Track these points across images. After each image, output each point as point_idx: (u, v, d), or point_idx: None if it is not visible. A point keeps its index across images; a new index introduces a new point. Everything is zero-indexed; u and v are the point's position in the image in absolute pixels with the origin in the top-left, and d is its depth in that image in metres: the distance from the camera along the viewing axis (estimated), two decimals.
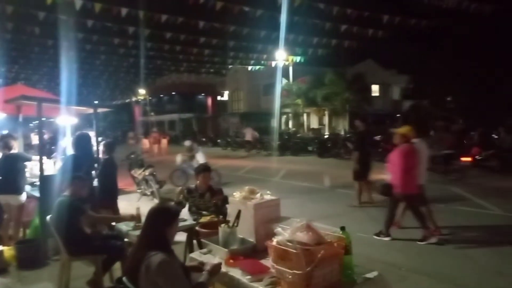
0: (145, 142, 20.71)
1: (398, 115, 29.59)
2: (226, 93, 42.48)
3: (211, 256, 2.84)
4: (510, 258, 5.09)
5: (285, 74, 27.48)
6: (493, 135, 14.83)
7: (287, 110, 30.23)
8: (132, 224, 4.08)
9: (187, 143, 11.99)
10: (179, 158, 11.26)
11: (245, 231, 2.97)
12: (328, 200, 9.04)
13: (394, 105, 35.39)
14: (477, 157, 13.33)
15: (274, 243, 2.25)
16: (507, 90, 20.66)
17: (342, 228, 2.41)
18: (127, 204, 6.69)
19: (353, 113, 28.65)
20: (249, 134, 23.99)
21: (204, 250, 3.04)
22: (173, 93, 46.09)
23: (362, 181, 8.17)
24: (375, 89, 33.84)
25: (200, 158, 10.63)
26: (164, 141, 25.21)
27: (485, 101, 22.70)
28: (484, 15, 14.80)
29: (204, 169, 5.03)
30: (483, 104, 22.76)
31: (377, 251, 5.31)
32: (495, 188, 10.10)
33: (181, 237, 4.26)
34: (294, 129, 29.29)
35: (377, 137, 18.52)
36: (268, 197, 3.10)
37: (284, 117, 31.90)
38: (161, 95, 48.65)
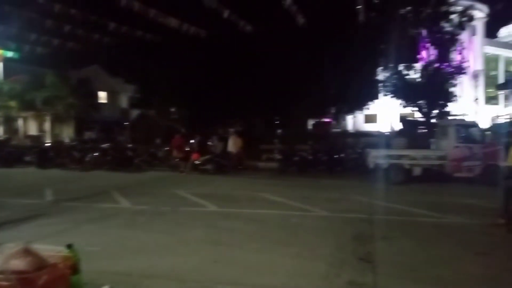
0: None
1: (126, 123, 30.02)
2: None
3: None
4: (223, 248, 6.00)
5: None
6: (209, 143, 17.24)
7: None
8: None
9: None
10: None
11: None
12: (53, 216, 8.11)
13: (122, 113, 35.79)
14: (196, 162, 15.30)
15: None
16: (218, 105, 24.43)
17: (69, 246, 2.22)
18: None
19: (79, 119, 27.11)
20: None
21: None
22: None
23: None
24: (102, 96, 33.25)
25: None
26: None
27: (202, 113, 26.05)
28: (201, 38, 17.17)
29: None
30: (200, 115, 26.04)
31: (107, 263, 5.16)
32: (211, 188, 11.80)
33: None
34: (6, 136, 24.90)
35: (105, 145, 18.13)
36: None
37: None
38: None
